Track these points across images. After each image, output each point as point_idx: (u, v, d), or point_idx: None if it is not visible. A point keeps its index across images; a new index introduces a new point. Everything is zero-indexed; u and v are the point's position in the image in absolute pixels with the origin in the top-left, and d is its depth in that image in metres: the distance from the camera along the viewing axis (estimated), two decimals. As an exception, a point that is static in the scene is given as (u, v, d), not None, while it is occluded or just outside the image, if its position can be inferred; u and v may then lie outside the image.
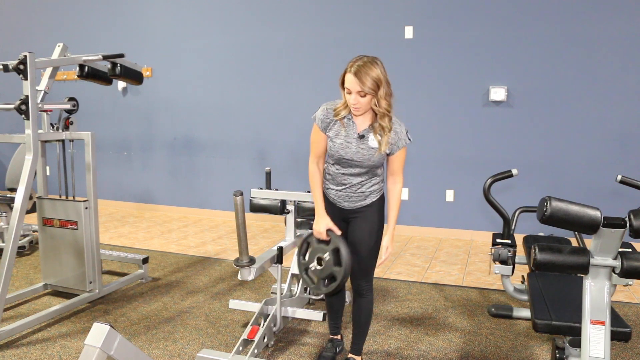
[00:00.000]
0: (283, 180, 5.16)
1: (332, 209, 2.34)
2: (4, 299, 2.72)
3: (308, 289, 3.23)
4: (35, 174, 3.17)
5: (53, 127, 3.41)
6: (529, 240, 3.07)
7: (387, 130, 2.18)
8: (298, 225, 3.20)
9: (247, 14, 5.67)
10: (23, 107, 2.80)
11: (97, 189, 3.34)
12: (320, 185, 2.34)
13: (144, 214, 6.24)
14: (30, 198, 3.99)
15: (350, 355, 2.49)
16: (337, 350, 2.62)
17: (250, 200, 3.15)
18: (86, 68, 3.42)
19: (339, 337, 2.68)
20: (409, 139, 2.26)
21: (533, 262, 1.94)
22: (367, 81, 2.06)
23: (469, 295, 3.52)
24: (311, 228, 2.36)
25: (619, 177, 2.92)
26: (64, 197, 3.46)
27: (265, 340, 2.69)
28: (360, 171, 2.25)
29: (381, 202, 2.36)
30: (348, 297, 3.10)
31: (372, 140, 2.20)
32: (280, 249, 2.79)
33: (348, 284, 2.42)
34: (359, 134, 2.21)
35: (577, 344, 2.21)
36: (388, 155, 2.25)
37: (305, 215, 3.16)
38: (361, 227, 2.31)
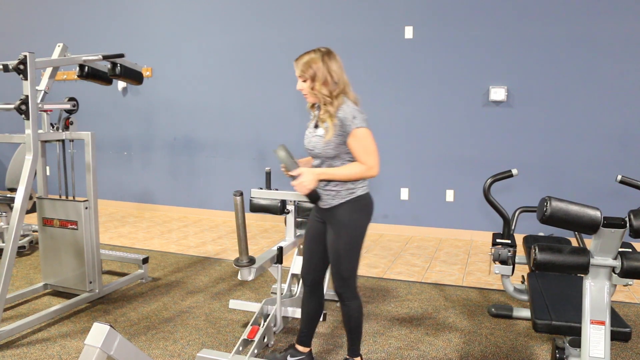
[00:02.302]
0: (283, 180, 5.15)
1: (315, 210, 2.36)
2: (4, 299, 2.72)
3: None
4: (35, 174, 3.17)
5: (53, 127, 3.41)
6: (529, 240, 3.07)
7: (331, 117, 2.17)
8: (298, 225, 3.20)
9: (247, 14, 5.67)
10: (23, 107, 2.80)
11: (97, 189, 3.34)
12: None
13: (144, 214, 6.24)
14: (30, 198, 3.99)
15: (347, 356, 2.45)
16: None
17: (251, 200, 3.15)
18: (86, 68, 3.42)
19: (307, 349, 2.50)
20: (358, 125, 2.13)
21: (533, 262, 1.94)
22: (300, 65, 2.21)
23: (469, 295, 3.52)
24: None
25: (619, 177, 2.92)
26: (64, 197, 3.46)
27: (265, 340, 2.69)
28: (318, 163, 2.26)
29: (355, 204, 2.22)
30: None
31: (320, 129, 2.22)
32: (280, 249, 2.79)
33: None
34: (315, 123, 2.27)
35: (577, 344, 2.21)
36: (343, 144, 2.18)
37: (305, 215, 3.16)
38: (330, 232, 2.28)
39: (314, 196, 2.24)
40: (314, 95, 2.20)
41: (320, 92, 2.18)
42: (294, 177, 2.19)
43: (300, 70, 2.21)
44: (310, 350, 2.51)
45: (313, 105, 2.31)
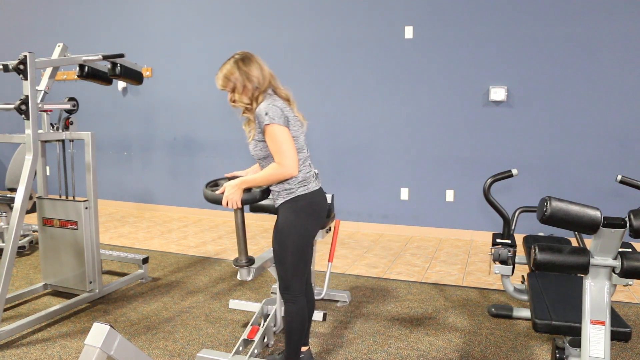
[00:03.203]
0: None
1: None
2: (4, 299, 2.72)
3: None
4: (35, 174, 3.17)
5: (53, 127, 3.41)
6: (529, 240, 3.07)
7: (253, 121, 2.21)
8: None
9: (247, 14, 5.67)
10: (23, 107, 2.80)
11: (97, 189, 3.34)
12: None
13: (144, 214, 6.24)
14: (30, 198, 3.99)
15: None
16: None
17: (250, 200, 3.15)
18: (86, 68, 3.42)
19: (305, 348, 2.49)
20: (267, 121, 2.09)
21: (533, 262, 1.94)
22: (219, 80, 2.20)
23: (469, 295, 3.52)
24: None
25: (619, 177, 2.92)
26: (64, 197, 3.46)
27: (265, 340, 2.69)
28: (259, 165, 2.31)
29: (293, 205, 2.19)
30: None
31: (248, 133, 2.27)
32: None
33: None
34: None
35: (577, 344, 2.21)
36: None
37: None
38: (274, 231, 2.30)
39: (250, 200, 2.26)
40: (236, 102, 2.22)
41: (241, 101, 2.19)
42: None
43: (221, 86, 2.21)
44: (309, 349, 2.51)
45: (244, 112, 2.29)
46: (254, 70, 2.17)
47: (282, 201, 2.22)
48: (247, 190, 2.26)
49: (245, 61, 2.18)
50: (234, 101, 2.22)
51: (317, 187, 2.26)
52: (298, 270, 2.25)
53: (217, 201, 2.27)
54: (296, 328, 2.29)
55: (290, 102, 2.26)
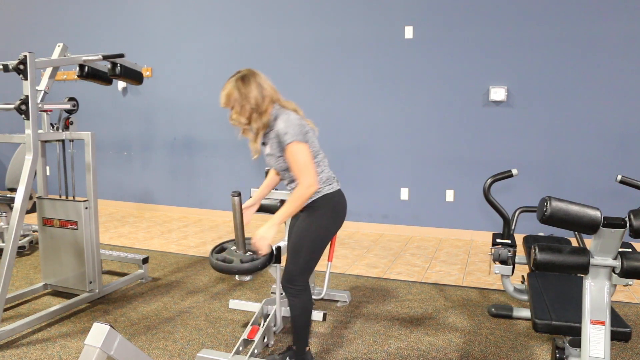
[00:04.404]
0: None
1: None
2: (4, 299, 2.72)
3: None
4: (35, 174, 3.17)
5: (53, 127, 3.41)
6: (529, 240, 3.07)
7: (259, 131, 2.28)
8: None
9: (247, 14, 5.67)
10: (23, 107, 2.80)
11: (97, 189, 3.34)
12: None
13: (144, 214, 6.24)
14: (30, 198, 3.99)
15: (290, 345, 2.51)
16: None
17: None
18: (86, 68, 3.42)
19: (305, 349, 2.47)
20: (288, 140, 2.17)
21: (533, 262, 1.94)
22: (221, 97, 2.25)
23: (469, 295, 3.52)
24: None
25: (619, 177, 2.92)
26: (64, 197, 3.46)
27: (265, 340, 2.69)
28: (283, 176, 2.38)
29: (319, 203, 2.27)
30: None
31: (267, 147, 2.32)
32: (279, 249, 2.78)
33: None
34: (262, 141, 2.36)
35: (577, 344, 2.21)
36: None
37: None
38: (295, 225, 2.36)
39: (254, 270, 2.35)
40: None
41: (238, 120, 2.25)
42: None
43: (222, 104, 2.26)
44: (309, 349, 2.51)
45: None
46: (253, 91, 2.21)
47: (309, 200, 2.27)
48: (249, 260, 2.35)
49: (245, 81, 2.22)
50: (233, 119, 2.27)
51: (339, 187, 2.36)
52: (308, 267, 2.30)
53: (245, 257, 2.35)
54: (303, 323, 2.34)
55: (297, 111, 2.30)
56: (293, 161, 2.18)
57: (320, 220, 2.27)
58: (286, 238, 3.09)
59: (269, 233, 2.21)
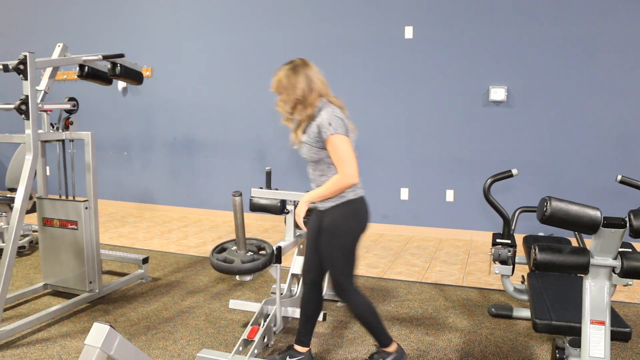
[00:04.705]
0: (283, 180, 5.16)
1: (317, 210, 2.38)
2: (4, 299, 2.72)
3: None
4: (35, 174, 3.17)
5: (53, 127, 3.41)
6: (529, 240, 3.07)
7: (301, 123, 2.28)
8: (298, 226, 3.20)
9: (247, 14, 5.67)
10: (23, 107, 2.80)
11: (97, 189, 3.34)
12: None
13: (144, 214, 6.24)
14: (30, 198, 3.99)
15: (375, 344, 2.50)
16: None
17: (250, 199, 3.15)
18: (86, 68, 3.42)
19: (305, 349, 2.47)
20: (331, 132, 2.16)
21: (533, 262, 1.94)
22: (273, 81, 2.28)
23: (469, 295, 3.52)
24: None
25: (619, 177, 2.92)
26: (64, 197, 3.46)
27: (265, 340, 2.69)
28: (309, 166, 2.34)
29: (344, 209, 2.27)
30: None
31: (305, 135, 2.29)
32: (279, 249, 2.78)
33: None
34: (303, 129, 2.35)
35: (577, 344, 2.21)
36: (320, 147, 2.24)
37: (304, 216, 3.15)
38: (322, 234, 2.33)
39: (255, 269, 2.48)
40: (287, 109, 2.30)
41: (283, 108, 2.28)
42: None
43: (272, 88, 2.29)
44: (310, 350, 2.51)
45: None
46: (301, 82, 2.21)
47: (332, 204, 2.27)
48: (250, 260, 2.44)
49: (295, 71, 2.23)
50: (278, 106, 2.29)
51: (363, 193, 2.36)
52: (348, 272, 2.32)
53: (229, 272, 2.42)
54: (370, 319, 2.37)
55: (343, 110, 2.30)
56: (335, 152, 2.17)
57: (345, 225, 2.28)
58: (292, 238, 3.09)
59: (299, 209, 2.30)
